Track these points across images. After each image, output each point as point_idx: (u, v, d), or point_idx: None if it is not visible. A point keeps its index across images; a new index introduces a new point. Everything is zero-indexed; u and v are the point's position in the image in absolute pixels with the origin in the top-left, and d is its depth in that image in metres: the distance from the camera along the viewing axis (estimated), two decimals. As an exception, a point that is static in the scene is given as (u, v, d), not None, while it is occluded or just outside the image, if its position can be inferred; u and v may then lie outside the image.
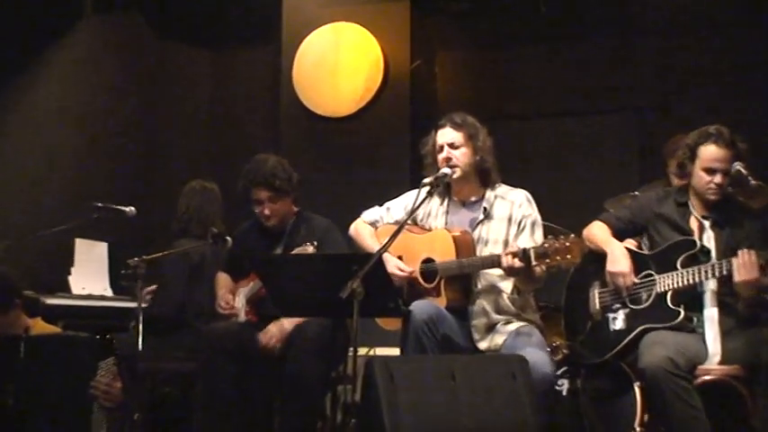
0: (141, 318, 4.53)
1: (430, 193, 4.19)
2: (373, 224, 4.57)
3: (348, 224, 4.69)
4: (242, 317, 4.86)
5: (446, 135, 4.31)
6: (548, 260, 3.84)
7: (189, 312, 5.22)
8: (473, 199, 4.35)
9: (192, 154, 7.58)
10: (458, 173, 4.27)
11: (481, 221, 4.26)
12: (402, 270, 4.26)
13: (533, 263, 3.87)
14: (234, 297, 4.92)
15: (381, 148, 6.84)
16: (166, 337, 5.18)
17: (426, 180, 4.21)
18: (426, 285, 4.25)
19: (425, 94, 7.07)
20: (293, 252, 4.59)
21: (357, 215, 4.66)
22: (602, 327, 4.24)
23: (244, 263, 4.83)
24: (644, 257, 4.21)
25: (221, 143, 7.70)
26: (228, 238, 4.91)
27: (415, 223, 4.44)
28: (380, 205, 4.61)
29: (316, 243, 4.51)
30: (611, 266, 4.20)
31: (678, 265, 4.05)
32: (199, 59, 7.79)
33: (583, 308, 4.34)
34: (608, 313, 4.23)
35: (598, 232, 4.34)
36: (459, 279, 4.20)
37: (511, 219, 4.24)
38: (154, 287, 5.21)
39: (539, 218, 4.28)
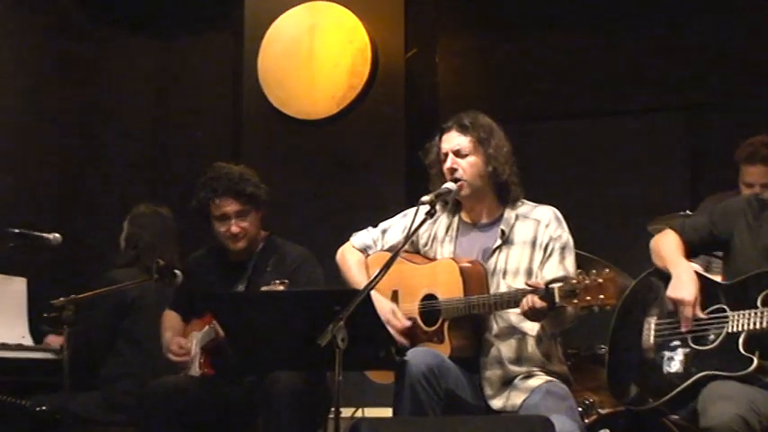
0: (68, 373, 4.50)
1: (429, 215, 4.15)
2: (365, 250, 4.55)
3: (325, 253, 4.68)
4: (195, 369, 4.82)
5: (451, 140, 4.30)
6: (575, 300, 3.80)
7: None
8: (487, 220, 4.33)
9: (134, 165, 7.57)
10: (465, 189, 4.25)
11: (498, 248, 4.24)
12: (398, 319, 4.23)
13: (558, 303, 3.84)
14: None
15: (369, 158, 6.84)
16: (97, 395, 5.16)
17: (425, 198, 4.14)
18: (426, 329, 4.22)
19: (424, 90, 7.07)
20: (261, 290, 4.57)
21: (337, 241, 4.63)
22: (653, 366, 4.16)
23: (196, 301, 4.80)
24: (716, 287, 4.11)
25: (170, 151, 7.71)
26: (178, 272, 4.87)
27: (416, 251, 4.42)
28: (374, 226, 4.59)
29: (287, 281, 4.48)
30: (672, 291, 4.11)
31: (758, 303, 3.95)
32: (143, 48, 7.79)
33: (633, 340, 4.26)
34: (663, 351, 4.15)
35: (667, 246, 4.24)
36: (468, 321, 4.17)
37: (535, 242, 4.22)
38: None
39: (570, 241, 4.25)
